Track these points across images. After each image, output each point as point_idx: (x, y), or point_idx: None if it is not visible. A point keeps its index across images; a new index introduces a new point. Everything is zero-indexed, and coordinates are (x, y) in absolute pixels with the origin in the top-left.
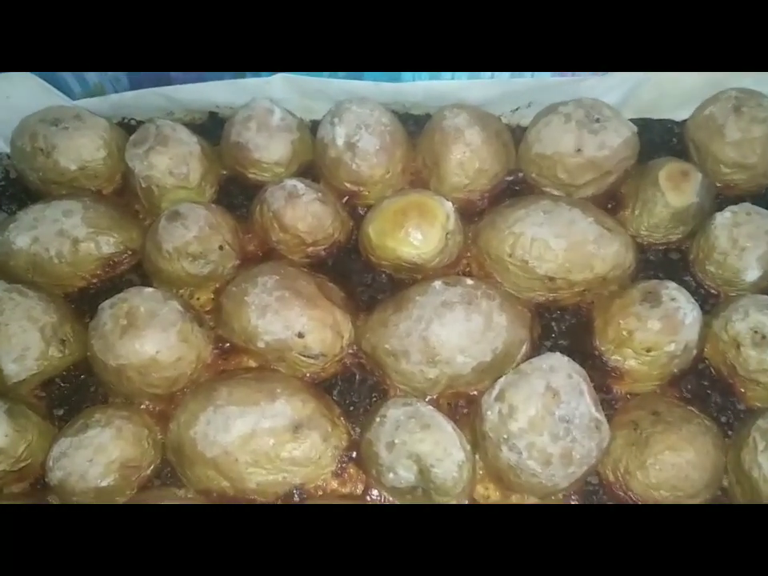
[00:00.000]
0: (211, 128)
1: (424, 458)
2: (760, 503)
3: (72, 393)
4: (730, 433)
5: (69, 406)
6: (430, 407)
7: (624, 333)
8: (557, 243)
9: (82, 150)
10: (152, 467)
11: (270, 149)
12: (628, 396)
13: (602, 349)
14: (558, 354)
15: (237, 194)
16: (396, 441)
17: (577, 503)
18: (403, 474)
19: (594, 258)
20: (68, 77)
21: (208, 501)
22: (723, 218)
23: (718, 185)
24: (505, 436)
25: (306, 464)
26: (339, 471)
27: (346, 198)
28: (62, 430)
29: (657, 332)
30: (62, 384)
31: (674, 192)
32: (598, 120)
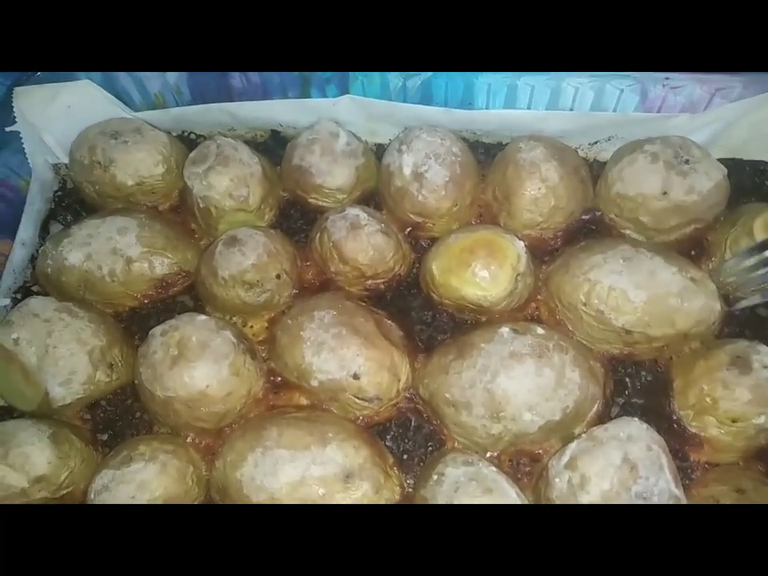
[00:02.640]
0: (273, 146)
1: None
2: None
3: (117, 418)
4: None
5: (113, 431)
6: (493, 468)
7: (708, 400)
8: (636, 294)
9: (140, 165)
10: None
11: (333, 174)
12: (706, 466)
13: (681, 413)
14: (636, 420)
15: (297, 218)
16: (455, 504)
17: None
18: None
19: (677, 312)
20: (129, 87)
21: None
22: None
23: None
24: None
25: None
26: None
27: (409, 229)
28: (105, 459)
29: (745, 402)
30: (107, 408)
31: None
32: (687, 161)
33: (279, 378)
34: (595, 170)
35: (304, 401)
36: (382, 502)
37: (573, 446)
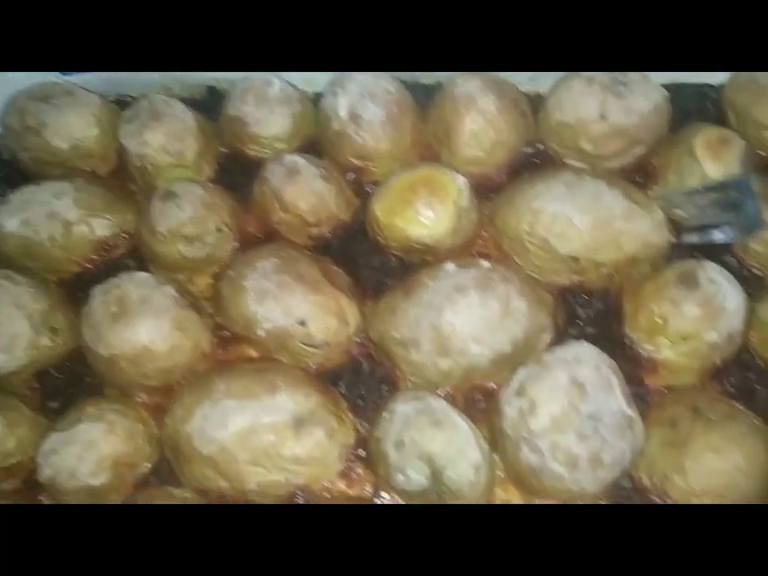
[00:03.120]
0: (211, 103)
1: (436, 458)
2: None
3: (67, 384)
4: None
5: (64, 398)
6: (443, 402)
7: (657, 320)
8: (581, 220)
9: (74, 127)
10: (147, 464)
11: (268, 123)
12: (664, 390)
13: (634, 337)
14: (584, 342)
15: (237, 172)
16: (405, 439)
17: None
18: (414, 477)
19: (623, 235)
20: None
21: (206, 501)
22: None
23: (761, 153)
24: (525, 435)
25: (309, 463)
26: (346, 471)
27: (351, 174)
28: (53, 424)
29: (695, 318)
30: (56, 375)
31: (712, 162)
32: (624, 84)
33: (227, 332)
34: (537, 104)
35: (253, 353)
36: (337, 446)
37: (521, 372)
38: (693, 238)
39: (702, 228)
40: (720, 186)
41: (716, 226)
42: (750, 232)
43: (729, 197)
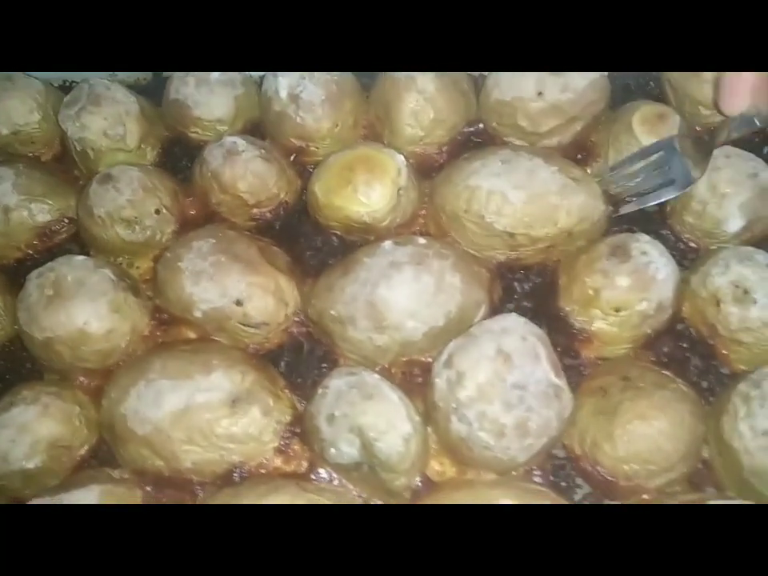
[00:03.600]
0: (156, 88)
1: (366, 431)
2: (740, 476)
3: (6, 371)
4: (711, 399)
5: (3, 383)
6: (376, 376)
7: (590, 291)
8: (515, 195)
9: (14, 112)
10: (86, 447)
11: (210, 105)
12: (598, 361)
13: (568, 310)
14: (513, 314)
15: (181, 156)
16: (336, 413)
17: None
18: (346, 450)
19: (558, 210)
20: None
21: (143, 482)
22: None
23: (698, 129)
24: (454, 405)
25: (245, 441)
26: (283, 447)
27: (294, 155)
28: None
29: (626, 289)
30: None
31: (649, 137)
32: None
33: (165, 315)
34: (480, 84)
35: (192, 335)
36: (273, 423)
37: (450, 344)
38: (630, 207)
39: (637, 195)
40: (646, 151)
41: (649, 192)
42: (680, 189)
43: (656, 159)
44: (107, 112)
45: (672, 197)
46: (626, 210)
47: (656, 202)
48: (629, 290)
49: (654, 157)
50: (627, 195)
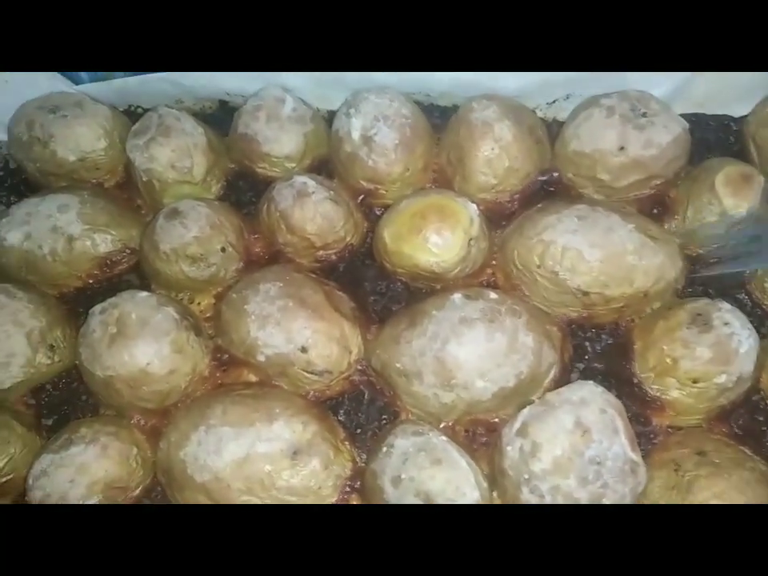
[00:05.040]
0: (222, 118)
1: (434, 497)
2: None
3: (62, 402)
4: None
5: (58, 415)
6: (443, 438)
7: (668, 360)
8: (591, 253)
9: (81, 139)
10: (141, 487)
11: (280, 142)
12: (669, 430)
13: (642, 376)
14: (590, 383)
15: (245, 190)
16: (403, 476)
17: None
18: None
19: (635, 270)
20: None
21: None
22: None
23: None
24: (526, 476)
25: (304, 494)
26: (341, 503)
27: (362, 197)
28: (46, 444)
29: (706, 361)
30: (52, 391)
31: (732, 199)
32: (644, 114)
33: (226, 355)
34: (554, 131)
35: (252, 378)
36: (332, 477)
37: (525, 412)
38: (712, 270)
39: (721, 261)
40: (739, 220)
41: (735, 258)
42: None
43: (748, 229)
44: (176, 144)
45: (760, 267)
46: (708, 272)
47: (741, 269)
48: (709, 362)
49: (743, 223)
50: (710, 258)
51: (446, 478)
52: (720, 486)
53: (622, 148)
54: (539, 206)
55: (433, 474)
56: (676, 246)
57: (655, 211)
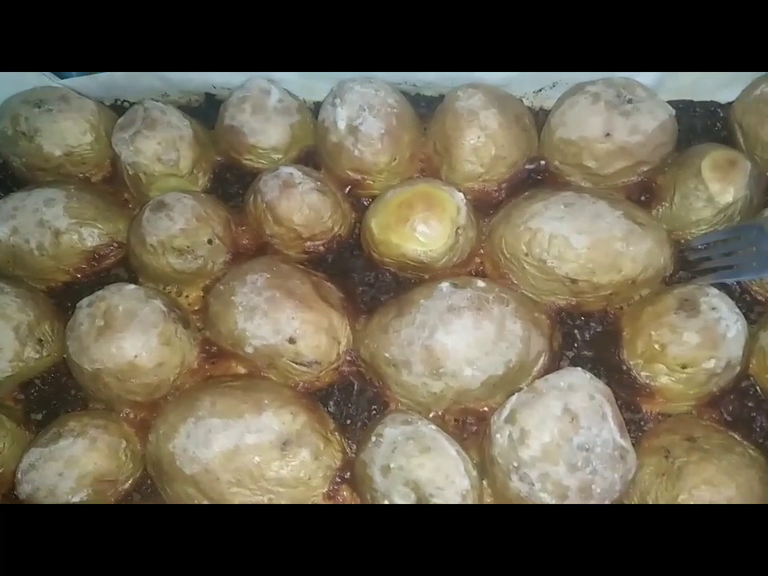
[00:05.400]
0: (208, 111)
1: (423, 485)
2: None
3: (52, 396)
4: None
5: (47, 410)
6: (432, 426)
7: (656, 346)
8: (579, 240)
9: (67, 134)
10: (131, 481)
11: (266, 133)
12: (659, 417)
13: (631, 363)
14: (578, 370)
15: (233, 182)
16: (392, 465)
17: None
18: (399, 503)
19: (622, 257)
20: None
21: None
22: None
23: None
24: (515, 464)
25: (294, 485)
26: (332, 493)
27: (349, 187)
28: (34, 438)
29: (694, 346)
30: (41, 386)
31: (719, 184)
32: (630, 101)
33: (215, 348)
34: (541, 119)
35: (241, 370)
36: (323, 468)
37: (513, 399)
38: (708, 280)
39: (717, 269)
40: (733, 229)
41: (730, 267)
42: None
43: (745, 239)
44: (162, 137)
45: (752, 278)
46: (703, 281)
47: (735, 279)
48: (697, 347)
49: (742, 235)
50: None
51: (435, 467)
52: (710, 471)
53: (607, 135)
54: (526, 194)
55: (422, 462)
56: (664, 233)
57: (643, 198)
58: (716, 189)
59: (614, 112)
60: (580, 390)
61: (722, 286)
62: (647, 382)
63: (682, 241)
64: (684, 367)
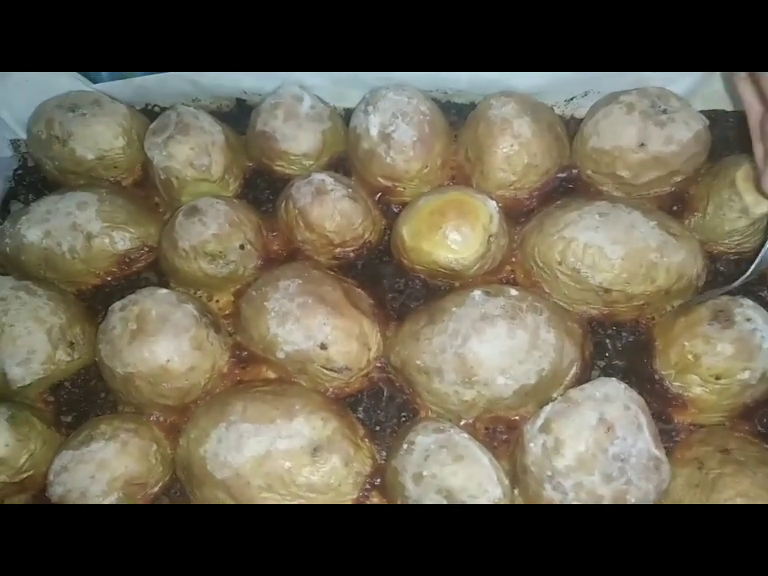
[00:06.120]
0: (239, 116)
1: (456, 493)
2: None
3: (81, 399)
4: None
5: (77, 412)
6: (465, 435)
7: (689, 357)
8: (613, 251)
9: (100, 138)
10: (160, 484)
11: (298, 139)
12: (691, 428)
13: (663, 373)
14: (613, 380)
15: (263, 187)
16: (425, 473)
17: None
18: None
19: (657, 267)
20: None
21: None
22: None
23: None
24: (549, 473)
25: (324, 491)
26: (361, 500)
27: (380, 194)
28: (66, 441)
29: (728, 357)
30: (71, 388)
31: (753, 195)
32: (665, 111)
33: (246, 352)
34: (573, 128)
35: (272, 374)
36: (353, 474)
37: (547, 408)
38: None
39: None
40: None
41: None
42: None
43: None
44: (194, 142)
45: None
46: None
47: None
48: (732, 358)
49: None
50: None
51: (467, 475)
52: (744, 483)
53: (642, 144)
54: (559, 202)
55: (455, 470)
56: (697, 243)
57: (675, 208)
58: (750, 200)
59: (648, 122)
60: (615, 401)
61: (756, 298)
62: (680, 392)
63: (714, 252)
64: (718, 378)
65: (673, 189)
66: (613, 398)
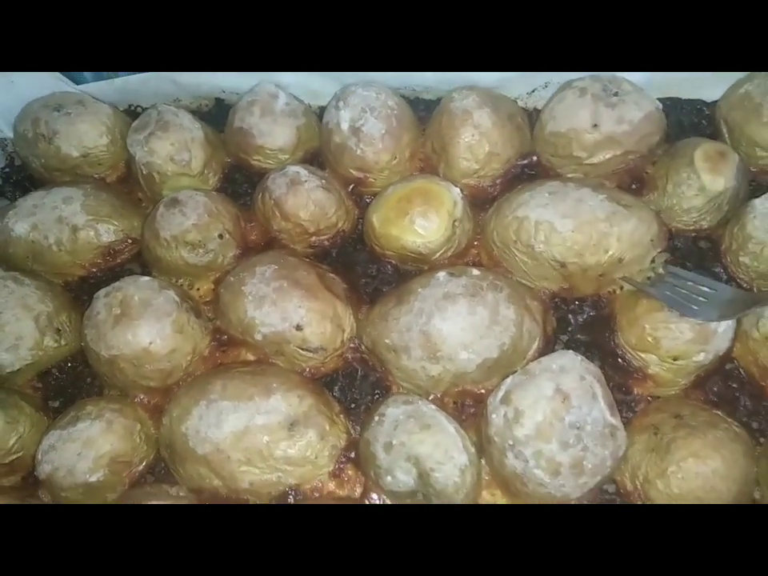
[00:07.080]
0: (218, 115)
1: (423, 460)
2: None
3: (68, 384)
4: (762, 440)
5: (64, 397)
6: (432, 406)
7: (649, 339)
8: (563, 224)
9: (84, 136)
10: (144, 463)
11: (273, 135)
12: (649, 399)
13: (624, 349)
14: (570, 352)
15: (241, 181)
16: (394, 442)
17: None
18: (402, 478)
19: (607, 237)
20: None
21: (200, 500)
22: (763, 205)
23: (753, 169)
24: (510, 442)
25: (301, 463)
26: (337, 472)
27: (352, 185)
28: (53, 422)
29: (687, 341)
30: (58, 375)
31: (710, 174)
32: (616, 94)
33: (225, 336)
34: (535, 119)
35: (251, 356)
36: (328, 447)
37: (508, 380)
38: (654, 293)
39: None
40: (702, 279)
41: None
42: (702, 318)
43: (704, 288)
44: (174, 137)
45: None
46: (650, 293)
47: (674, 308)
48: (690, 341)
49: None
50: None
51: (434, 442)
52: (696, 444)
53: (595, 125)
54: (519, 188)
55: (422, 438)
56: (650, 212)
57: (634, 186)
58: (708, 178)
59: (600, 104)
60: (571, 372)
61: (711, 274)
62: (639, 367)
63: (672, 229)
64: (675, 359)
65: (630, 167)
66: (568, 369)
